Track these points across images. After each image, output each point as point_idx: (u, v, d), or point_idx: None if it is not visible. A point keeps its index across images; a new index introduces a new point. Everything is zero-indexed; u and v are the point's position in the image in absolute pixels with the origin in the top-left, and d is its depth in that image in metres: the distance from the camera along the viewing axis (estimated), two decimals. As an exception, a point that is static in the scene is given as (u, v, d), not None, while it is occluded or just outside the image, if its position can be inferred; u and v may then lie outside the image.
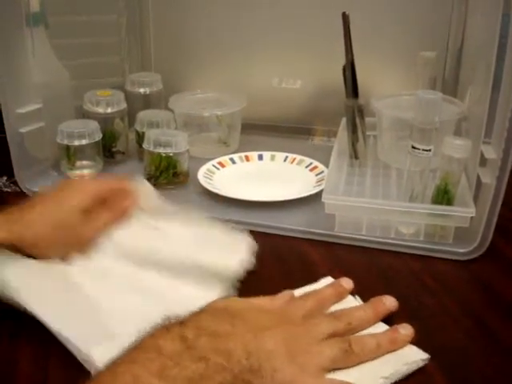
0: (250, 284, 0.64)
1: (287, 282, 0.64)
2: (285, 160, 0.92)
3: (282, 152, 0.93)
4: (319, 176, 0.85)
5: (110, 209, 0.66)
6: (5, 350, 0.54)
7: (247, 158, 0.93)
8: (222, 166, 0.90)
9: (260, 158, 0.93)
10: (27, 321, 0.53)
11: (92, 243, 0.63)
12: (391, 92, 0.89)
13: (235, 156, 0.93)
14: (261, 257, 0.69)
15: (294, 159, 0.92)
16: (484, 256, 0.68)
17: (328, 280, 0.62)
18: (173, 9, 1.06)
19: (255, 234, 0.73)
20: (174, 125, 0.93)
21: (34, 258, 0.61)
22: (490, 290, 0.64)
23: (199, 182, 0.84)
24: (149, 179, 0.81)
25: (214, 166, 0.90)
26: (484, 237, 0.67)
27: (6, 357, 0.53)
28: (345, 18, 0.77)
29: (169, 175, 0.85)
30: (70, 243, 0.62)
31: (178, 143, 0.84)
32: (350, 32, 0.77)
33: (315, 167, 0.88)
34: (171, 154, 0.84)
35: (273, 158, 0.93)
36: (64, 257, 0.62)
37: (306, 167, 0.89)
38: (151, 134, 0.85)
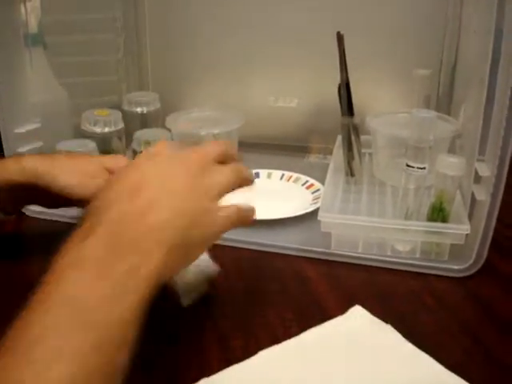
0: (247, 302, 0.64)
1: (283, 300, 0.65)
2: (281, 178, 0.93)
3: (279, 170, 0.94)
4: (315, 194, 0.86)
5: None
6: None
7: None
8: None
9: (256, 175, 0.93)
10: None
11: None
12: (386, 110, 0.90)
13: None
14: (257, 274, 0.70)
15: (291, 177, 0.92)
16: (480, 272, 0.68)
17: (357, 309, 0.61)
18: (170, 28, 1.07)
19: (251, 252, 0.74)
20: (171, 143, 0.94)
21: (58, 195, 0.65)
22: (486, 307, 0.64)
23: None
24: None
25: None
26: (479, 253, 0.67)
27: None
28: (339, 38, 0.78)
29: None
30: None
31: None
32: (345, 51, 0.78)
33: (311, 185, 0.89)
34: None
35: (269, 175, 0.93)
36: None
37: (303, 185, 0.90)
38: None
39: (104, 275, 0.42)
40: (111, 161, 0.69)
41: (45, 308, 0.39)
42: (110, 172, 0.67)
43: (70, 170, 0.66)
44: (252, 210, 0.56)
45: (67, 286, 0.41)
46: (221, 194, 0.52)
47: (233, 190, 0.54)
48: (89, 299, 0.40)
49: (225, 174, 0.54)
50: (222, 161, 0.56)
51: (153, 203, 0.47)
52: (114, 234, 0.44)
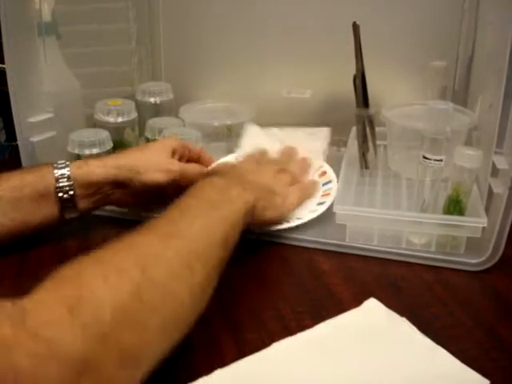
0: (261, 294, 0.64)
1: (297, 292, 0.64)
2: None
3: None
4: (326, 186, 0.82)
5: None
6: None
7: None
8: None
9: None
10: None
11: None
12: (402, 101, 0.89)
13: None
14: (271, 267, 0.69)
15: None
16: (496, 266, 0.67)
17: (372, 302, 0.61)
18: (183, 19, 1.07)
19: (265, 245, 0.74)
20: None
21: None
22: (502, 301, 0.64)
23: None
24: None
25: None
26: (496, 247, 0.66)
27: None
28: (355, 28, 0.77)
29: None
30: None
31: (189, 141, 0.85)
32: (361, 42, 0.78)
33: (324, 172, 0.85)
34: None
35: None
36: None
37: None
38: (166, 132, 0.88)
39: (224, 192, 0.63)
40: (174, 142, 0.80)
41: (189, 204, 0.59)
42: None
43: (149, 161, 0.75)
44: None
45: (205, 192, 0.62)
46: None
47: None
48: (216, 199, 0.61)
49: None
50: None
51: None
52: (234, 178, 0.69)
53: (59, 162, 0.71)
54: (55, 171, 0.70)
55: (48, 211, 0.70)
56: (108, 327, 0.41)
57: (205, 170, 0.80)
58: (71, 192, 0.70)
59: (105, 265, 0.45)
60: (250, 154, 0.84)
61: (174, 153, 0.77)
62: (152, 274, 0.46)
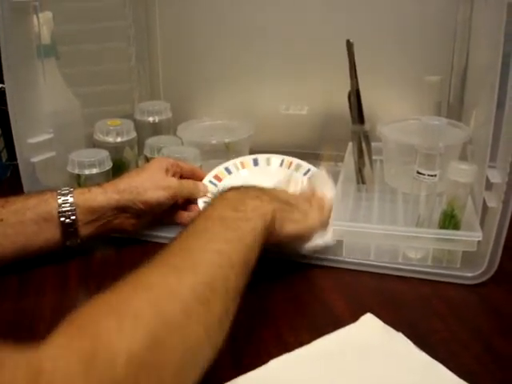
0: (258, 309, 0.64)
1: (295, 308, 0.65)
2: (281, 164, 0.91)
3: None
4: None
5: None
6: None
7: (243, 165, 0.92)
8: (219, 179, 0.88)
9: (255, 163, 0.92)
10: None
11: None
12: (397, 117, 0.90)
13: (230, 164, 0.92)
14: (268, 282, 0.70)
15: (291, 163, 0.91)
16: (492, 279, 0.68)
17: (368, 317, 0.61)
18: (181, 38, 1.08)
19: (262, 259, 0.74)
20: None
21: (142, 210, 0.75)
22: (498, 314, 0.64)
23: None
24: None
25: (210, 182, 0.87)
26: (491, 260, 0.67)
27: None
28: (349, 46, 0.78)
29: None
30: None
31: (188, 160, 0.88)
32: (355, 59, 0.79)
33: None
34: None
35: (268, 161, 0.92)
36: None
37: (305, 174, 0.88)
38: (165, 151, 0.90)
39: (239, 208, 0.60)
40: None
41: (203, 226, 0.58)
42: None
43: (147, 181, 0.77)
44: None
45: (218, 210, 0.60)
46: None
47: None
48: (231, 217, 0.59)
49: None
50: None
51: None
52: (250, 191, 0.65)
53: (63, 188, 0.72)
54: (58, 197, 0.71)
55: (50, 236, 0.71)
56: (123, 380, 0.39)
57: (200, 184, 0.83)
58: (73, 217, 0.71)
59: (119, 310, 0.44)
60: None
61: (167, 171, 0.79)
62: (167, 316, 0.45)
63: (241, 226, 0.58)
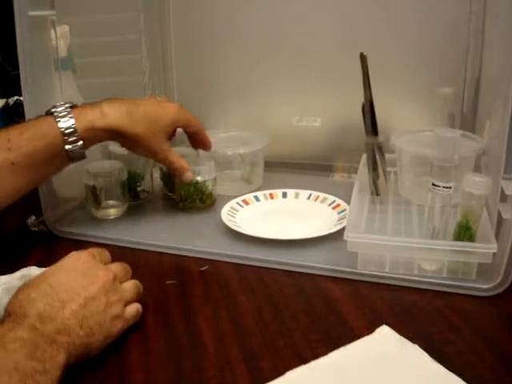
0: (273, 322, 0.64)
1: (311, 320, 0.65)
2: (308, 198, 0.93)
3: (306, 190, 0.94)
4: (341, 214, 0.86)
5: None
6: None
7: (271, 196, 0.94)
8: (246, 203, 0.92)
9: (284, 195, 0.94)
10: None
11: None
12: (410, 128, 0.90)
13: (259, 194, 0.94)
14: (283, 295, 0.70)
15: (318, 197, 0.92)
16: (507, 291, 0.68)
17: (384, 329, 0.61)
18: (196, 50, 1.09)
19: (277, 272, 0.75)
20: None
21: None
22: (514, 326, 0.64)
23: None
24: (177, 202, 0.92)
25: (238, 203, 0.91)
26: (507, 272, 0.67)
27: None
28: (362, 59, 0.78)
29: (194, 200, 0.91)
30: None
31: (203, 171, 0.90)
32: (368, 72, 0.79)
33: (338, 205, 0.89)
34: (199, 180, 0.90)
35: (297, 195, 0.94)
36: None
37: (329, 205, 0.90)
38: None
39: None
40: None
41: None
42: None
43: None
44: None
45: (12, 355, 0.49)
46: (123, 306, 0.62)
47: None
48: (25, 368, 0.48)
49: (128, 290, 0.64)
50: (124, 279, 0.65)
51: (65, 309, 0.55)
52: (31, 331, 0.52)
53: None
54: (59, 124, 0.76)
55: (60, 164, 0.79)
56: None
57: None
58: (80, 142, 0.77)
59: None
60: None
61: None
62: None
63: (38, 381, 0.49)
